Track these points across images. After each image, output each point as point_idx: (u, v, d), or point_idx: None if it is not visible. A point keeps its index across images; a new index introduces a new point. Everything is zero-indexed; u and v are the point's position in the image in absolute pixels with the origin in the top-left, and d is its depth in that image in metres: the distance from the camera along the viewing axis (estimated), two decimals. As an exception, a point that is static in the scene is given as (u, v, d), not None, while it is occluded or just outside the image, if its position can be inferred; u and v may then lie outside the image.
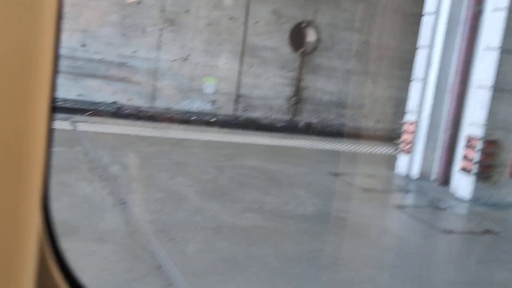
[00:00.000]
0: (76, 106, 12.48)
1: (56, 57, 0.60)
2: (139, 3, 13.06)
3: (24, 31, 0.52)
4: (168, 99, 13.80)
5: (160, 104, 13.71)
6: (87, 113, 11.73)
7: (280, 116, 14.96)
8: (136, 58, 13.26)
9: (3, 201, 0.54)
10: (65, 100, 12.63)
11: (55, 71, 0.60)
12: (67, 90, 12.74)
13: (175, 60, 13.60)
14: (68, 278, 0.73)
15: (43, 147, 0.58)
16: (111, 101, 13.11)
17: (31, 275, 0.59)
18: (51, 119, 0.59)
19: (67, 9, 12.45)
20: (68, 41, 12.53)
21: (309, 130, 14.51)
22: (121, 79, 13.21)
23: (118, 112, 12.61)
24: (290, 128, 14.17)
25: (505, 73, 6.64)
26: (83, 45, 12.69)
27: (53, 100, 0.61)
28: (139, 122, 10.84)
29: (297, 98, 14.88)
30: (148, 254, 3.82)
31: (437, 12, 7.62)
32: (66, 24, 12.47)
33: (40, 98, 0.55)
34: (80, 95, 12.88)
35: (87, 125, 8.52)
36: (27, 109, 0.54)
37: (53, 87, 0.60)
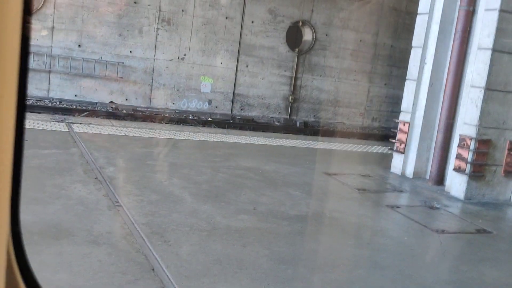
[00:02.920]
0: (72, 106, 12.50)
1: (25, 55, 0.58)
2: (135, 3, 13.06)
3: None
4: (165, 98, 13.83)
5: (157, 104, 13.74)
6: (84, 114, 11.75)
7: (277, 115, 15.00)
8: (133, 58, 13.28)
9: None
10: (61, 101, 12.65)
11: (25, 69, 0.58)
12: (63, 91, 12.77)
13: (172, 59, 13.62)
14: (29, 281, 0.74)
15: (11, 148, 0.57)
16: (107, 101, 13.13)
17: (1, 276, 0.58)
18: (21, 119, 0.57)
19: (62, 9, 12.44)
20: (65, 41, 12.54)
21: (305, 128, 14.55)
22: (118, 79, 13.22)
23: (114, 113, 12.63)
24: (287, 127, 14.21)
25: (498, 73, 6.69)
26: (79, 45, 12.71)
27: (23, 99, 0.59)
28: (136, 123, 10.86)
29: (294, 97, 14.92)
30: (142, 257, 3.86)
31: (430, 12, 7.66)
32: (62, 25, 12.47)
33: (5, 97, 0.55)
34: (76, 95, 12.90)
35: (83, 127, 8.54)
36: None
37: (23, 85, 0.58)
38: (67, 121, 8.86)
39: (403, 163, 7.97)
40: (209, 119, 13.79)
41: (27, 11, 0.59)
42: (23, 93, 0.58)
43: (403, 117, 8.08)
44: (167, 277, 3.60)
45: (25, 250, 0.69)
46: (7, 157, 0.56)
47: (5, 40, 0.54)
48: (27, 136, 0.67)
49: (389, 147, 8.71)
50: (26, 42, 0.59)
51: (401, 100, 8.23)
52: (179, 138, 8.94)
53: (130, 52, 13.32)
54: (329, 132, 14.22)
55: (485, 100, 6.70)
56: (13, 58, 0.56)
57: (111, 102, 13.27)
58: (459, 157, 6.95)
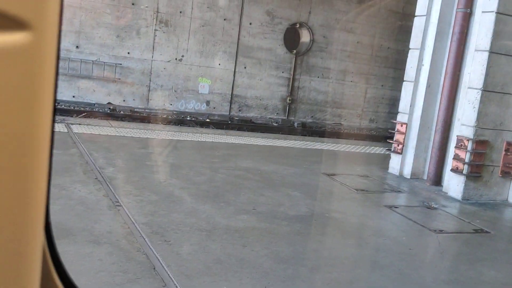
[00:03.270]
0: (70, 107, 12.49)
1: (58, 59, 0.62)
2: (133, 4, 13.08)
3: (30, 32, 0.55)
4: (162, 100, 13.84)
5: (155, 105, 13.75)
6: (82, 115, 11.75)
7: (275, 116, 15.03)
8: (131, 59, 13.29)
9: (11, 203, 0.56)
10: (59, 102, 12.64)
11: (57, 73, 0.62)
12: (61, 92, 12.76)
13: (170, 61, 13.64)
14: (65, 281, 0.76)
15: (48, 150, 0.60)
16: (105, 102, 13.14)
17: (37, 278, 0.61)
18: (53, 122, 0.61)
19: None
20: (63, 42, 12.53)
21: (303, 129, 14.59)
22: (115, 80, 13.23)
23: (112, 113, 12.64)
24: (285, 128, 14.24)
25: (495, 75, 6.75)
26: (77, 47, 12.71)
27: (55, 102, 0.62)
28: (134, 124, 10.87)
29: (292, 98, 14.97)
30: (143, 256, 3.88)
31: (428, 14, 7.71)
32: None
33: (45, 100, 0.58)
34: (74, 96, 12.90)
35: (82, 127, 8.55)
36: (33, 112, 0.56)
37: (55, 89, 0.62)
38: (66, 122, 8.86)
39: (401, 164, 8.01)
40: (207, 120, 13.81)
41: (61, 16, 0.62)
42: (55, 97, 0.62)
43: (401, 118, 8.13)
44: (168, 276, 3.62)
45: (55, 242, 0.72)
46: (45, 155, 0.59)
47: (45, 45, 0.57)
48: None
49: (387, 148, 8.75)
50: (59, 47, 0.62)
51: (398, 102, 8.28)
52: (178, 139, 8.96)
53: (128, 53, 13.33)
54: (326, 133, 14.26)
55: (482, 101, 6.75)
56: (51, 63, 0.59)
57: (109, 103, 13.28)
58: (456, 157, 7.00)
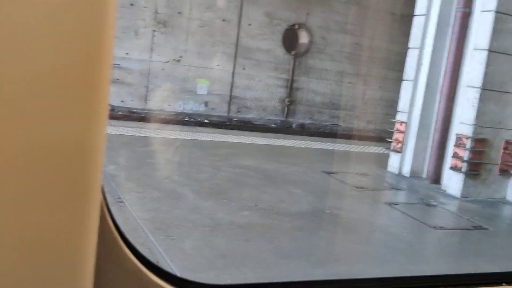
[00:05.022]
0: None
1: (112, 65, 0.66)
2: (131, 5, 13.11)
3: (91, 40, 0.59)
4: (161, 100, 13.86)
5: (153, 105, 13.77)
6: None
7: (274, 117, 15.07)
8: (129, 59, 13.31)
9: (74, 194, 0.63)
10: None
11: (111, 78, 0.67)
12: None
13: (168, 61, 13.66)
14: (128, 246, 0.82)
15: (103, 144, 0.66)
16: (104, 103, 13.15)
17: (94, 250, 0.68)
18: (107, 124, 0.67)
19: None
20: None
21: (302, 130, 14.63)
22: (114, 81, 13.25)
23: (110, 114, 12.66)
24: (284, 129, 14.28)
25: (494, 73, 6.81)
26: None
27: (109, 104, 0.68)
28: (133, 123, 10.89)
29: (290, 99, 15.01)
30: (147, 251, 3.90)
31: (427, 14, 7.77)
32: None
33: (102, 102, 0.63)
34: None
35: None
36: (93, 109, 0.62)
37: (109, 92, 0.67)
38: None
39: (400, 162, 8.06)
40: (206, 121, 13.84)
41: (115, 24, 0.66)
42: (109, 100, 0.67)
43: (400, 117, 8.18)
44: (172, 270, 3.64)
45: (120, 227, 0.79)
46: (100, 157, 0.65)
47: (103, 52, 0.61)
48: None
49: (386, 147, 8.80)
50: (113, 53, 0.66)
51: (396, 103, 8.33)
52: (178, 138, 8.99)
53: (126, 54, 13.34)
54: (325, 134, 14.31)
55: (481, 100, 6.81)
56: (108, 69, 0.63)
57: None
58: (455, 156, 7.05)
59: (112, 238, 0.76)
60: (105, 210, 0.74)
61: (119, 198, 5.01)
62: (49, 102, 0.58)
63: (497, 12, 6.60)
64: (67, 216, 0.62)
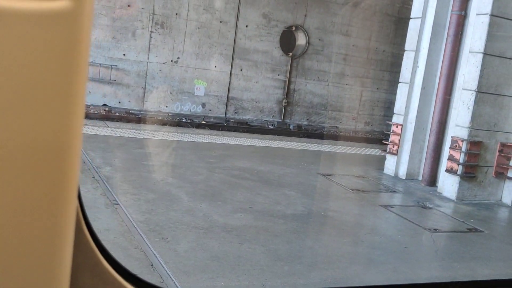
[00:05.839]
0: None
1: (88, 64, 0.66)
2: (129, 6, 13.11)
3: (68, 39, 0.59)
4: (158, 101, 13.86)
5: (150, 106, 13.76)
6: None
7: (271, 118, 15.08)
8: (126, 60, 13.30)
9: (51, 193, 0.62)
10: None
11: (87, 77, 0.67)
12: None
13: (165, 63, 13.67)
14: (104, 254, 0.82)
15: (79, 146, 0.66)
16: (100, 104, 13.14)
17: (70, 256, 0.68)
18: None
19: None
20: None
21: (299, 132, 14.64)
22: (111, 82, 13.24)
23: (108, 115, 12.64)
24: (281, 131, 14.29)
25: (489, 76, 6.83)
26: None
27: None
28: (130, 124, 10.87)
29: (287, 100, 15.03)
30: (141, 253, 3.90)
31: (423, 17, 7.79)
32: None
33: (79, 100, 0.63)
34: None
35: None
36: (69, 111, 0.61)
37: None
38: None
39: (396, 165, 8.07)
40: (203, 122, 13.83)
41: (91, 24, 0.66)
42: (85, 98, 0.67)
43: (396, 119, 8.19)
44: (166, 272, 3.64)
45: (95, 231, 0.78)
46: (77, 155, 0.65)
47: (79, 50, 0.61)
48: None
49: (383, 149, 8.81)
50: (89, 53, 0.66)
51: (393, 105, 8.35)
52: (174, 139, 8.98)
53: (124, 55, 13.34)
54: (322, 135, 14.32)
55: (477, 102, 6.83)
56: (84, 68, 0.63)
57: (104, 104, 13.28)
58: (451, 158, 7.06)
59: (88, 249, 0.75)
60: (81, 217, 0.73)
61: (114, 200, 5.00)
62: (21, 102, 0.58)
63: (492, 15, 6.62)
64: (42, 222, 0.62)
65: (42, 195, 0.61)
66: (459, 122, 7.02)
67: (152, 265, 3.74)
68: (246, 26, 14.20)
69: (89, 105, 12.96)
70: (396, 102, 8.26)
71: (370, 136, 15.64)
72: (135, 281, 0.83)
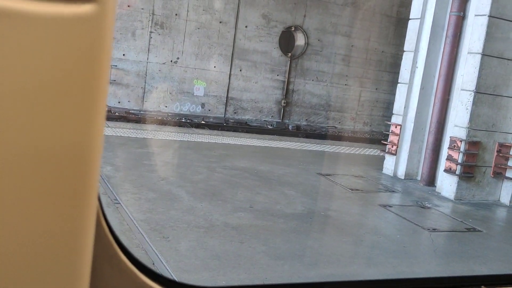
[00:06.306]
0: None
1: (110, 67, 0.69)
2: (129, 6, 13.13)
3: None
4: (157, 101, 13.89)
5: (149, 106, 13.79)
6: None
7: (270, 118, 15.12)
8: (126, 60, 13.33)
9: (72, 198, 0.65)
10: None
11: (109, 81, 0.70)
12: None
13: (165, 63, 13.70)
14: (122, 248, 0.85)
15: (100, 149, 0.68)
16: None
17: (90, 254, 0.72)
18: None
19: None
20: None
21: (298, 132, 14.68)
22: (110, 82, 13.26)
23: (108, 115, 12.67)
24: (280, 131, 14.33)
25: (487, 77, 6.87)
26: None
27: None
28: (130, 124, 10.90)
29: (286, 101, 15.06)
30: (142, 251, 3.93)
31: (422, 18, 7.84)
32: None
33: (100, 104, 0.65)
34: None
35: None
36: (91, 114, 0.64)
37: (107, 96, 0.69)
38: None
39: (395, 165, 8.11)
40: (202, 122, 13.86)
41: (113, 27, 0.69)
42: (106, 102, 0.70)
43: (395, 119, 8.24)
44: (168, 271, 3.67)
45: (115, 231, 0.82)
46: (98, 159, 0.67)
47: (103, 55, 0.63)
48: None
49: (382, 149, 8.85)
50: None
51: (392, 105, 8.40)
52: (174, 139, 9.01)
53: (123, 55, 13.36)
54: (321, 136, 14.35)
55: (475, 103, 6.87)
56: (106, 71, 0.66)
57: (105, 104, 13.29)
58: (449, 158, 7.11)
59: (107, 242, 0.79)
60: (100, 213, 0.77)
61: (115, 199, 5.03)
62: (47, 105, 0.60)
63: (490, 16, 6.66)
64: (65, 219, 0.65)
65: (67, 195, 0.64)
66: (458, 123, 7.06)
67: (153, 263, 3.77)
68: (246, 26, 14.23)
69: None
70: (395, 102, 8.30)
71: (369, 136, 15.68)
72: (151, 274, 0.87)
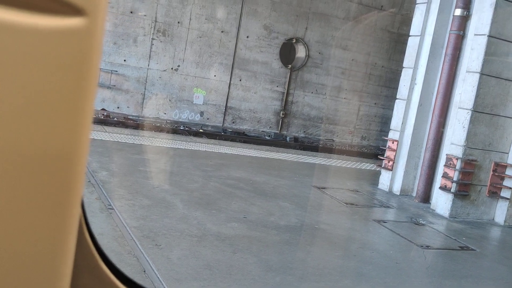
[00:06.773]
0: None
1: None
2: (131, 12, 13.20)
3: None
4: (157, 108, 13.91)
5: (148, 113, 13.81)
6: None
7: (268, 129, 15.14)
8: (127, 66, 13.37)
9: (55, 204, 0.65)
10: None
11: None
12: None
13: (166, 70, 13.74)
14: (104, 260, 0.85)
15: (85, 160, 0.68)
16: (99, 109, 13.17)
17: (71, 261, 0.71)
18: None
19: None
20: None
21: (296, 144, 14.69)
22: (110, 87, 13.29)
23: (106, 120, 12.67)
24: (277, 142, 14.34)
25: (485, 96, 6.91)
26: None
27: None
28: (128, 130, 10.90)
29: (285, 112, 15.10)
30: (134, 259, 3.91)
31: (422, 35, 7.89)
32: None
33: (87, 111, 0.65)
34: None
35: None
36: (76, 124, 0.63)
37: (94, 100, 0.69)
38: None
39: (390, 180, 8.12)
40: (201, 130, 13.87)
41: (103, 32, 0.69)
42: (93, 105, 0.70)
43: (392, 135, 8.26)
44: (158, 279, 3.65)
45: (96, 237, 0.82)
46: (83, 161, 0.67)
47: (91, 58, 0.63)
48: None
49: (378, 164, 8.86)
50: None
51: (390, 120, 8.42)
52: (171, 146, 9.01)
53: (124, 60, 13.41)
54: (318, 148, 14.37)
55: (472, 121, 6.90)
56: (95, 75, 0.66)
57: (103, 109, 13.32)
58: (445, 176, 7.12)
59: (88, 252, 0.79)
60: (83, 222, 0.77)
61: (109, 205, 5.02)
62: (31, 117, 0.60)
63: (490, 36, 6.72)
64: (46, 227, 0.65)
65: (49, 200, 0.64)
66: (454, 140, 7.08)
67: (144, 271, 3.75)
68: (247, 36, 14.31)
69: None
70: (392, 118, 8.33)
71: (366, 150, 15.70)
72: (129, 284, 0.86)
